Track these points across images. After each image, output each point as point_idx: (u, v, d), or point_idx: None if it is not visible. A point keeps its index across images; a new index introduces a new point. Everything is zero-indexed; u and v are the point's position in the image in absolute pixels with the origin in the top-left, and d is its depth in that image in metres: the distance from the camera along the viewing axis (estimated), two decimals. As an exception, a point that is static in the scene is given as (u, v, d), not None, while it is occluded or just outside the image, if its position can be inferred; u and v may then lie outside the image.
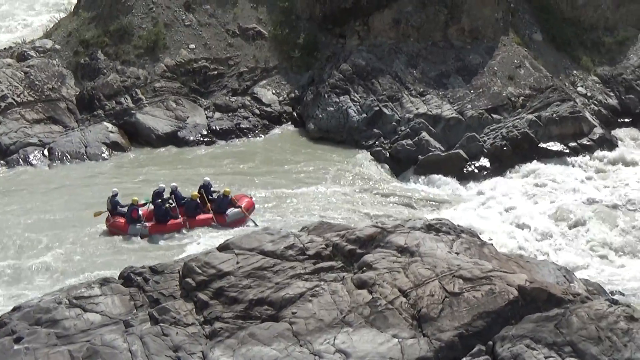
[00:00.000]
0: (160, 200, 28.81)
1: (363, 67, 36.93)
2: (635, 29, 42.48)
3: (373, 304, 17.90)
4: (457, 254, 19.94)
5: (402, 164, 34.42)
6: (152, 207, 28.91)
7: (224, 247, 19.42)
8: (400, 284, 18.34)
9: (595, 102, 39.33)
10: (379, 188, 31.93)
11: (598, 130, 36.84)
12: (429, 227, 20.83)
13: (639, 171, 34.54)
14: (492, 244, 21.44)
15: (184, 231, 28.56)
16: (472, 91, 36.30)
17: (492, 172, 34.08)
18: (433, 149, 34.50)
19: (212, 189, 29.77)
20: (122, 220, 28.71)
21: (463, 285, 18.19)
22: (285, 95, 37.79)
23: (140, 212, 28.74)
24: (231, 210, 29.14)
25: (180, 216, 28.88)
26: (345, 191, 31.42)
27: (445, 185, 33.29)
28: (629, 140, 37.89)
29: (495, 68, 37.19)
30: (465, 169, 34.12)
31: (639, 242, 28.77)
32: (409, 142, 34.78)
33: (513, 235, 28.77)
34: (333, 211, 29.27)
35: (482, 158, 34.45)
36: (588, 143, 36.23)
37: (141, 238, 28.18)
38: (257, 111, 37.12)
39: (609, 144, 36.61)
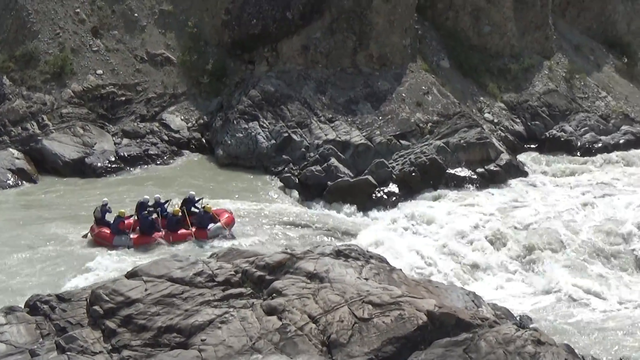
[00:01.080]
0: (145, 211, 29.22)
1: (272, 93, 37.15)
2: (540, 56, 43.72)
3: (283, 330, 17.89)
4: (367, 279, 20.07)
5: (311, 190, 34.52)
6: (136, 218, 29.22)
7: (132, 275, 19.26)
8: (309, 310, 18.37)
9: (502, 128, 40.17)
10: (289, 214, 31.96)
11: (505, 156, 37.58)
12: (338, 253, 20.93)
13: (538, 195, 35.04)
14: (401, 270, 21.65)
15: (165, 245, 28.66)
16: (380, 117, 36.71)
17: (401, 197, 34.34)
18: (342, 175, 34.68)
19: (196, 202, 30.36)
20: (107, 230, 28.85)
21: (372, 310, 18.27)
22: (194, 122, 37.75)
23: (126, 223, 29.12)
24: (213, 226, 29.46)
25: (162, 229, 29.23)
26: (254, 217, 31.39)
27: (354, 211, 33.47)
28: (533, 165, 38.68)
29: (404, 94, 37.69)
30: (374, 195, 34.35)
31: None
32: (318, 168, 34.95)
33: (422, 259, 28.97)
34: (242, 238, 29.21)
35: (391, 184, 34.77)
36: (495, 169, 36.75)
37: (128, 249, 28.43)
38: (165, 137, 36.98)
39: (515, 169, 37.29)
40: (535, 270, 28.82)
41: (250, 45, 38.24)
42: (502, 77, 41.90)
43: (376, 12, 38.03)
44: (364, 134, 36.13)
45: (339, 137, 35.92)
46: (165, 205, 30.09)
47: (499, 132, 39.62)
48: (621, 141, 41.79)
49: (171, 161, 36.41)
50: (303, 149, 35.80)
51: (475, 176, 36.15)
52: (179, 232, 29.32)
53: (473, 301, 21.35)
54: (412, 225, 31.49)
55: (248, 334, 17.84)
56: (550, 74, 43.29)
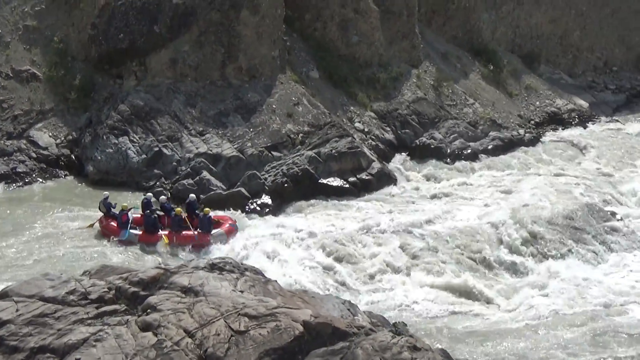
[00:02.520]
0: (149, 210, 30.56)
1: (141, 107, 37.07)
2: (408, 65, 44.61)
3: (159, 346, 17.91)
4: (242, 292, 20.21)
5: (183, 204, 34.45)
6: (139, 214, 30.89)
7: (2, 295, 19.01)
8: (185, 324, 18.43)
9: (373, 137, 40.73)
10: (161, 229, 31.92)
11: (376, 165, 38.14)
12: (213, 266, 21.03)
13: (409, 201, 35.86)
14: (276, 281, 21.87)
15: (167, 246, 29.87)
16: (251, 129, 36.97)
17: (274, 208, 34.57)
18: (214, 188, 34.79)
19: (197, 208, 31.60)
20: (115, 223, 30.42)
21: (249, 323, 18.40)
22: (62, 138, 37.34)
23: (131, 218, 30.44)
24: (216, 231, 30.76)
25: (167, 229, 30.48)
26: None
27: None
28: (404, 172, 39.41)
29: (274, 106, 38.02)
30: (247, 207, 34.52)
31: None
32: (190, 181, 35.00)
33: (297, 270, 29.23)
34: (116, 255, 29.06)
35: (263, 195, 35.01)
36: (367, 177, 37.30)
37: (136, 244, 29.82)
38: (33, 155, 36.49)
39: (387, 177, 37.94)
40: (410, 276, 29.27)
41: (118, 59, 38.07)
42: (371, 86, 42.58)
43: (244, 24, 38.32)
44: (235, 146, 36.32)
45: (211, 150, 36.04)
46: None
47: (370, 141, 40.23)
48: (489, 147, 42.98)
49: (40, 179, 35.84)
50: (174, 163, 35.83)
51: (347, 185, 36.63)
52: (182, 233, 30.51)
53: (349, 310, 21.61)
54: (285, 235, 31.67)
55: (123, 351, 17.81)
56: (418, 82, 44.21)
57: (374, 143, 40.38)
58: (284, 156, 36.66)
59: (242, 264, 22.28)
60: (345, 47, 42.87)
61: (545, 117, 48.76)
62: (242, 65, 38.51)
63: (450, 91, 45.18)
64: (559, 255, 30.98)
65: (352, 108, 41.35)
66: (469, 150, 42.09)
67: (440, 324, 26.15)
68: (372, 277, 29.24)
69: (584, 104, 51.89)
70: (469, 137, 43.19)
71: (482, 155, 42.43)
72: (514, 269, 30.28)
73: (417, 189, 38.11)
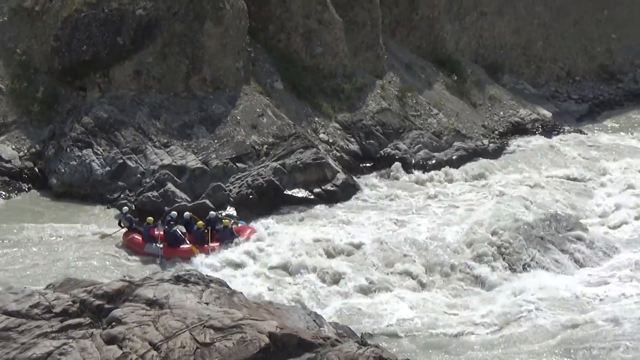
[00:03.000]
0: (170, 224, 31.54)
1: (105, 119, 37.05)
2: (372, 75, 44.86)
3: (124, 359, 17.93)
4: (207, 304, 20.26)
5: (148, 216, 34.42)
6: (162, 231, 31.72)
7: (-35, 310, 18.96)
8: (150, 337, 18.45)
9: (337, 148, 40.92)
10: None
11: (341, 176, 38.32)
12: (178, 279, 21.06)
13: (372, 213, 36.03)
14: (241, 293, 21.95)
15: (192, 258, 30.61)
16: (216, 141, 37.04)
17: (240, 220, 34.55)
18: (179, 200, 34.81)
19: (218, 222, 32.68)
20: (139, 237, 31.36)
21: (214, 335, 18.45)
22: (26, 151, 37.26)
23: (157, 233, 31.40)
24: (235, 241, 31.82)
25: (189, 243, 31.39)
26: (91, 245, 31.22)
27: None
28: (370, 183, 39.57)
29: (239, 117, 38.12)
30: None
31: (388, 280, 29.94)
32: (155, 193, 35.00)
33: (263, 281, 29.31)
34: (77, 269, 29.02)
35: (228, 207, 35.05)
36: (332, 188, 37.45)
37: (160, 257, 30.68)
38: (-4, 167, 36.37)
39: (352, 188, 38.11)
40: (377, 286, 29.42)
41: (81, 71, 38.07)
42: (335, 97, 42.77)
43: (208, 35, 38.43)
44: (200, 157, 36.37)
45: (175, 162, 36.08)
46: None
47: (335, 152, 40.41)
48: (454, 157, 43.25)
49: (3, 192, 35.73)
50: (139, 175, 35.84)
51: (312, 196, 36.77)
52: (204, 245, 31.38)
53: (315, 321, 21.73)
54: (250, 247, 31.74)
55: (88, 364, 17.80)
56: (382, 93, 44.45)
57: (338, 154, 40.56)
58: (249, 167, 36.75)
59: (207, 275, 22.32)
60: (310, 58, 43.07)
61: (509, 127, 49.10)
62: (206, 76, 38.59)
63: (415, 102, 45.43)
64: (524, 265, 31.14)
65: (316, 119, 41.50)
66: (434, 161, 42.36)
67: (407, 334, 26.27)
68: (338, 287, 29.30)
69: (547, 113, 52.34)
70: (433, 147, 43.45)
71: (447, 165, 42.55)
72: (480, 280, 30.40)
73: (383, 197, 38.22)
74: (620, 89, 59.75)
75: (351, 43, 44.29)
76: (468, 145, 44.82)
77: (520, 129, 49.31)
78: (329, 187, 37.53)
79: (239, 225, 33.00)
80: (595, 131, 51.41)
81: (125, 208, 33.06)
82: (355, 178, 39.57)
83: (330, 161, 38.83)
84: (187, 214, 32.74)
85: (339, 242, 32.10)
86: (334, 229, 33.75)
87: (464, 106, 48.23)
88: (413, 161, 42.01)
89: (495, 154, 45.18)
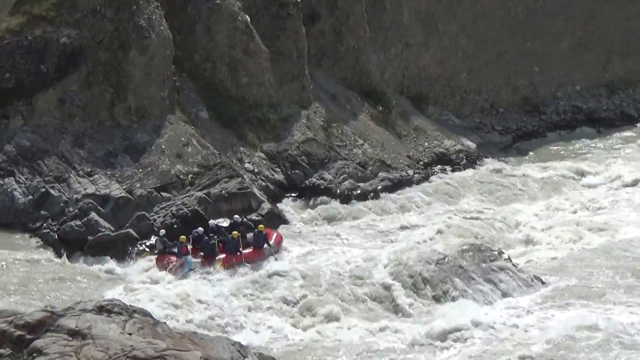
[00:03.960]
0: (206, 237, 33.57)
1: (28, 148, 36.91)
2: (298, 106, 45.25)
3: (45, 390, 17.88)
4: (130, 334, 20.22)
5: (71, 246, 34.51)
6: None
7: None
8: (72, 368, 18.41)
9: (263, 177, 41.22)
10: (49, 271, 31.73)
11: (266, 206, 38.61)
12: (101, 309, 20.96)
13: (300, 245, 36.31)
14: (165, 323, 21.95)
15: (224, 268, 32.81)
16: (140, 170, 37.11)
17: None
18: (103, 229, 34.82)
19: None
20: (173, 258, 32.83)
21: (137, 365, 18.48)
22: (-53, 179, 36.82)
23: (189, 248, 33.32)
24: (266, 247, 34.06)
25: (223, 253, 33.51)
26: (12, 274, 30.98)
27: (116, 265, 33.57)
28: (295, 213, 39.87)
29: (163, 146, 38.23)
30: (136, 248, 34.54)
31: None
32: (78, 223, 34.95)
33: (187, 311, 29.37)
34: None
35: (153, 237, 35.05)
36: (257, 218, 37.70)
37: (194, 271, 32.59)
38: None
39: (277, 218, 38.40)
40: (302, 315, 29.76)
41: (3, 99, 37.85)
42: (261, 127, 43.09)
43: (133, 64, 38.57)
44: (124, 187, 36.41)
45: (99, 191, 36.05)
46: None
47: (260, 181, 40.71)
48: (379, 187, 43.81)
49: None
50: (62, 204, 35.79)
51: (237, 226, 36.91)
52: (237, 253, 33.44)
53: (239, 351, 21.75)
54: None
55: (9, 396, 17.70)
56: (308, 123, 44.87)
57: (264, 184, 40.86)
58: (174, 197, 36.89)
59: (130, 306, 22.31)
60: (235, 88, 43.39)
61: (433, 157, 49.80)
62: (131, 105, 38.70)
63: (340, 132, 45.93)
64: (447, 296, 31.62)
65: (242, 149, 41.77)
66: (359, 191, 42.87)
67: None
68: (263, 317, 29.53)
69: (471, 144, 53.15)
70: (358, 177, 43.95)
71: (371, 195, 42.98)
72: (401, 311, 30.85)
73: (310, 227, 38.57)
74: (543, 121, 60.84)
75: (277, 73, 44.70)
76: (393, 175, 45.36)
77: (444, 160, 50.01)
78: (254, 216, 37.75)
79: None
80: (518, 162, 52.24)
81: (163, 231, 34.44)
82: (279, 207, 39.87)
83: (256, 191, 39.11)
84: (212, 221, 35.67)
85: (268, 269, 32.44)
86: (265, 256, 34.10)
87: (389, 137, 48.82)
88: (338, 191, 42.38)
89: (420, 184, 45.72)
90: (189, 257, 32.96)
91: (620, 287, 33.01)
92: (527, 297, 32.26)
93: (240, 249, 33.72)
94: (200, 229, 34.57)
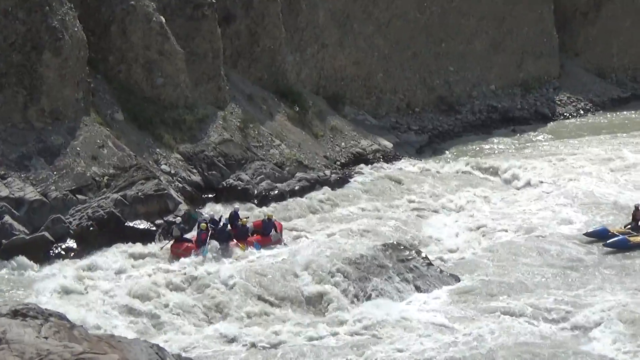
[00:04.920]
0: (223, 224, 36.15)
1: (-62, 151, 36.33)
2: (214, 106, 45.31)
3: (-43, 398, 17.74)
4: (46, 338, 20.12)
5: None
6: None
7: None
8: (-15, 373, 18.30)
9: (180, 179, 41.20)
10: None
11: (183, 207, 38.67)
12: (15, 313, 20.77)
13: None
14: (82, 326, 21.89)
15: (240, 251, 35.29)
16: (55, 172, 36.89)
17: (80, 253, 34.59)
18: (17, 233, 34.57)
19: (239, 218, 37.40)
20: (192, 245, 35.03)
21: (52, 370, 18.43)
22: None
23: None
24: (273, 233, 36.99)
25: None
26: None
27: (30, 269, 33.32)
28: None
29: (78, 148, 38.03)
30: (51, 252, 34.40)
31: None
32: (-8, 226, 34.54)
33: (103, 313, 29.31)
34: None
35: (68, 239, 34.99)
36: (174, 220, 37.63)
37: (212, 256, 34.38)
38: None
39: (194, 220, 38.37)
40: (220, 316, 29.92)
41: None
42: (177, 128, 43.11)
43: (46, 66, 38.32)
44: (38, 189, 36.16)
45: (13, 194, 35.76)
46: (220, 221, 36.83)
47: (177, 183, 40.72)
48: (296, 187, 44.12)
49: None
50: (-26, 208, 35.22)
51: (154, 228, 36.91)
52: (247, 239, 36.10)
53: (157, 354, 21.73)
54: (91, 279, 31.74)
55: None
56: (224, 124, 44.99)
57: (180, 185, 40.88)
58: (89, 199, 36.76)
59: (46, 309, 22.20)
60: (151, 89, 43.33)
61: (350, 157, 50.33)
62: (44, 107, 38.43)
63: (257, 132, 46.15)
64: (366, 295, 32.01)
65: (158, 150, 41.71)
66: (276, 191, 43.09)
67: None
68: (181, 320, 29.60)
69: (388, 144, 53.79)
70: (275, 178, 44.21)
71: (289, 195, 43.22)
72: (321, 309, 31.17)
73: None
74: (458, 120, 61.79)
75: (192, 74, 44.75)
76: (310, 175, 45.71)
77: (361, 160, 50.58)
78: (170, 218, 37.77)
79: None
80: (435, 161, 52.95)
81: (178, 218, 36.87)
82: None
83: (172, 192, 39.13)
84: (211, 213, 38.42)
85: (181, 274, 32.47)
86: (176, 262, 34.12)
87: (305, 137, 49.18)
88: (255, 192, 42.54)
89: (337, 184, 46.14)
90: (208, 246, 34.76)
91: (535, 283, 33.80)
92: (443, 294, 32.87)
93: (250, 235, 36.56)
94: (207, 216, 37.54)
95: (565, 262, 36.36)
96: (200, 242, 34.94)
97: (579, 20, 72.41)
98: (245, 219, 37.35)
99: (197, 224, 36.46)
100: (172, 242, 35.50)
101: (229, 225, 36.43)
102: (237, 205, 39.51)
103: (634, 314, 30.14)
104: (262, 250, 35.83)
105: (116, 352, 20.20)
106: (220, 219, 37.09)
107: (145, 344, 22.19)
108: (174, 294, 31.30)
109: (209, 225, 35.85)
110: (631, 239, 37.88)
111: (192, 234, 36.54)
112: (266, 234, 37.02)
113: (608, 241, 37.83)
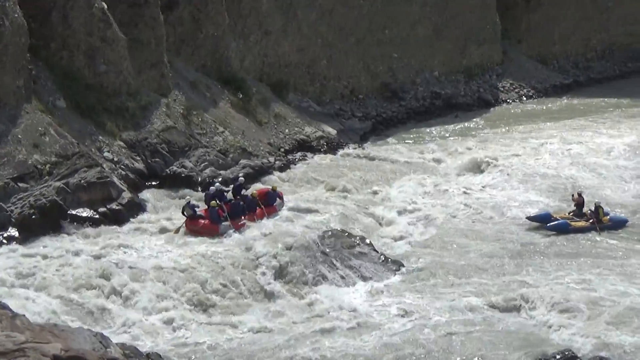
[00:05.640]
0: (238, 197, 38.40)
1: None
2: (157, 94, 45.22)
3: None
4: (-14, 327, 20.09)
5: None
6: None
7: None
8: None
9: (123, 166, 41.08)
10: None
11: (127, 195, 38.62)
12: (-45, 304, 20.81)
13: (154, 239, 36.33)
14: (24, 316, 21.86)
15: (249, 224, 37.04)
16: (-4, 160, 36.48)
17: (21, 241, 34.32)
18: (-44, 222, 34.20)
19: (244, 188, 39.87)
20: (207, 222, 36.42)
21: (-5, 360, 18.40)
22: None
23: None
24: (278, 201, 39.60)
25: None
26: None
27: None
28: (155, 202, 39.86)
29: (20, 136, 37.74)
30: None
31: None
32: None
33: (46, 302, 29.25)
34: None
35: (10, 228, 34.70)
36: (117, 207, 37.66)
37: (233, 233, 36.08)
38: None
39: (138, 207, 38.38)
40: (165, 308, 29.98)
41: None
42: (120, 115, 42.99)
43: (-14, 53, 37.85)
44: (-21, 178, 35.72)
45: (-48, 183, 35.32)
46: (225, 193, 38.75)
47: (120, 170, 40.61)
48: (240, 174, 43.92)
49: None
50: None
51: (97, 216, 36.89)
52: (257, 212, 38.12)
53: (101, 342, 21.81)
54: (33, 267, 31.63)
55: None
56: (168, 111, 44.93)
57: (124, 173, 40.78)
58: (31, 187, 36.52)
59: (-15, 300, 22.14)
60: (93, 76, 43.10)
61: (294, 144, 50.57)
62: (-16, 95, 37.94)
63: (200, 120, 46.13)
64: (311, 282, 32.26)
65: (100, 137, 41.55)
66: (220, 179, 43.06)
67: (195, 352, 26.92)
68: (126, 308, 29.65)
69: (332, 131, 54.11)
70: (219, 165, 44.27)
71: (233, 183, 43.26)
72: (268, 297, 31.38)
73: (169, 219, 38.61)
74: (402, 107, 62.37)
75: (135, 61, 44.61)
76: (254, 162, 45.85)
77: (305, 146, 50.85)
78: (114, 206, 37.71)
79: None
80: (378, 147, 53.31)
81: (188, 197, 38.37)
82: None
83: (115, 180, 39.03)
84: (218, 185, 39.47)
85: (126, 262, 32.44)
86: (121, 250, 34.04)
87: (249, 124, 49.31)
88: (199, 179, 42.56)
89: (281, 171, 46.33)
90: (223, 224, 36.34)
91: (479, 268, 34.38)
92: (388, 281, 33.28)
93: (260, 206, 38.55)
94: (213, 188, 38.83)
95: (508, 245, 37.07)
96: (216, 219, 36.44)
97: (521, 7, 73.38)
98: (254, 192, 39.47)
99: (207, 201, 37.86)
100: (185, 221, 36.71)
101: (234, 198, 38.48)
102: (241, 177, 41.33)
103: (574, 295, 30.88)
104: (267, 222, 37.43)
105: (59, 341, 20.24)
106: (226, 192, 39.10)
107: (89, 333, 22.17)
108: (117, 280, 31.24)
109: (217, 200, 37.37)
110: (572, 223, 38.67)
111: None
112: (271, 204, 39.08)
113: (549, 224, 38.59)
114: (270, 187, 40.24)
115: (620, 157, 50.41)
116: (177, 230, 36.30)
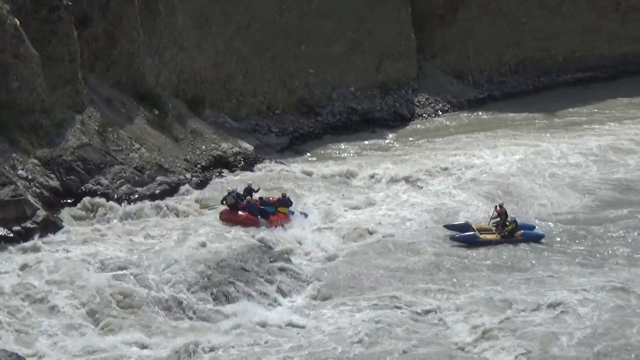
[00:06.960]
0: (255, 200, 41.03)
1: None
2: (72, 110, 45.13)
3: None
4: None
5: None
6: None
7: None
8: None
9: (37, 184, 40.94)
10: None
11: (42, 213, 38.49)
12: None
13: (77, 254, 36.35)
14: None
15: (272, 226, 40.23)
16: None
17: None
18: None
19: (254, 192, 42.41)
20: (243, 214, 40.18)
21: None
22: None
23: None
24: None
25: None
26: None
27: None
28: (71, 220, 39.81)
29: None
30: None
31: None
32: None
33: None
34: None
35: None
36: (32, 226, 37.61)
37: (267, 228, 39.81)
38: None
39: (53, 225, 38.32)
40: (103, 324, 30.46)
41: None
42: (34, 132, 42.80)
43: None
44: None
45: None
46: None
47: (34, 188, 40.49)
48: (157, 191, 44.41)
49: None
50: None
51: (12, 235, 36.71)
52: (276, 216, 40.93)
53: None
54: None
55: None
56: (83, 128, 44.88)
57: (38, 190, 40.63)
58: (-56, 208, 36.19)
59: None
60: (6, 93, 42.88)
61: (211, 160, 50.80)
62: None
63: (116, 136, 46.15)
64: (230, 298, 32.65)
65: (14, 155, 41.34)
66: (137, 195, 43.23)
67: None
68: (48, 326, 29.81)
69: (249, 147, 54.46)
70: (135, 182, 44.41)
71: (150, 199, 43.37)
72: (186, 314, 31.62)
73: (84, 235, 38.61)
74: (319, 122, 62.93)
75: (49, 78, 44.48)
76: (171, 179, 46.00)
77: (222, 163, 51.07)
78: (28, 224, 37.60)
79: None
80: (295, 163, 53.80)
81: (230, 188, 41.92)
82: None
83: (30, 198, 38.90)
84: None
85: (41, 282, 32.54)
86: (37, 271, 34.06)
87: (165, 140, 49.43)
88: (115, 196, 42.60)
89: (198, 187, 46.50)
90: (263, 220, 40.14)
91: (391, 283, 35.15)
92: (306, 296, 33.84)
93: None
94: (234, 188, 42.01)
95: (423, 258, 38.05)
96: (256, 211, 40.35)
97: (436, 22, 74.45)
98: (284, 193, 42.42)
99: (244, 196, 41.18)
100: (221, 208, 40.50)
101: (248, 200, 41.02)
102: (251, 182, 43.75)
103: (483, 304, 32.36)
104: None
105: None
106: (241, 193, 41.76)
107: (4, 353, 22.33)
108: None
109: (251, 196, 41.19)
110: (481, 236, 39.80)
111: None
112: (286, 207, 41.63)
113: (457, 236, 39.70)
114: (281, 194, 42.33)
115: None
116: (208, 207, 41.56)
